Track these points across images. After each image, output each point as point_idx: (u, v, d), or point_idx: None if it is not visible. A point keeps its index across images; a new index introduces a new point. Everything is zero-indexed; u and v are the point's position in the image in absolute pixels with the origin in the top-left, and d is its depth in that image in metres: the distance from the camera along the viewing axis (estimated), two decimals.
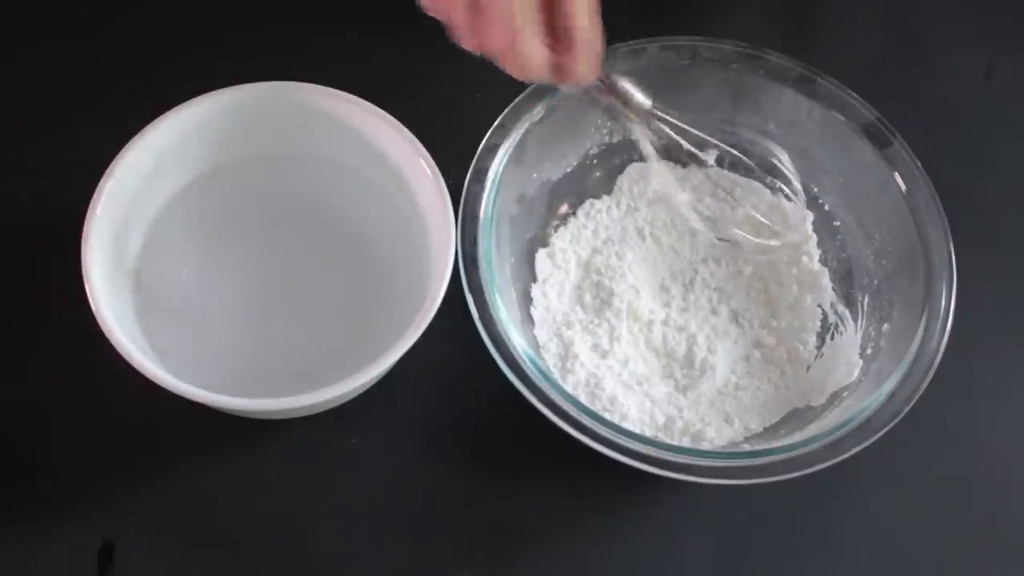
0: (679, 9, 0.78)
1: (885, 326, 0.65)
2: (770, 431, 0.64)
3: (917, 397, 0.60)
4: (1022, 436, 0.67)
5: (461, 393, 0.65)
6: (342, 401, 0.61)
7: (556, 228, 0.70)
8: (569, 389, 0.63)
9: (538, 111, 0.66)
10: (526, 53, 0.52)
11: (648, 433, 0.63)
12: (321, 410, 0.62)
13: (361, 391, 0.61)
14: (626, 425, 0.63)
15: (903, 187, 0.66)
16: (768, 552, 0.63)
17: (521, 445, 0.64)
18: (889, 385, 0.60)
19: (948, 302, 0.62)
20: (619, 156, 0.71)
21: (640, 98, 0.61)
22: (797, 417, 0.65)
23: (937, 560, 0.64)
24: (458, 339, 0.62)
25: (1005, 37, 0.81)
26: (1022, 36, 0.81)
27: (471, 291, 0.60)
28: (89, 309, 0.57)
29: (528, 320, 0.66)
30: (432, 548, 0.62)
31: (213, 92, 0.63)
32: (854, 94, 0.67)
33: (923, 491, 0.65)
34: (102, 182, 0.60)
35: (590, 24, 0.54)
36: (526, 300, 0.67)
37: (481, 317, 0.60)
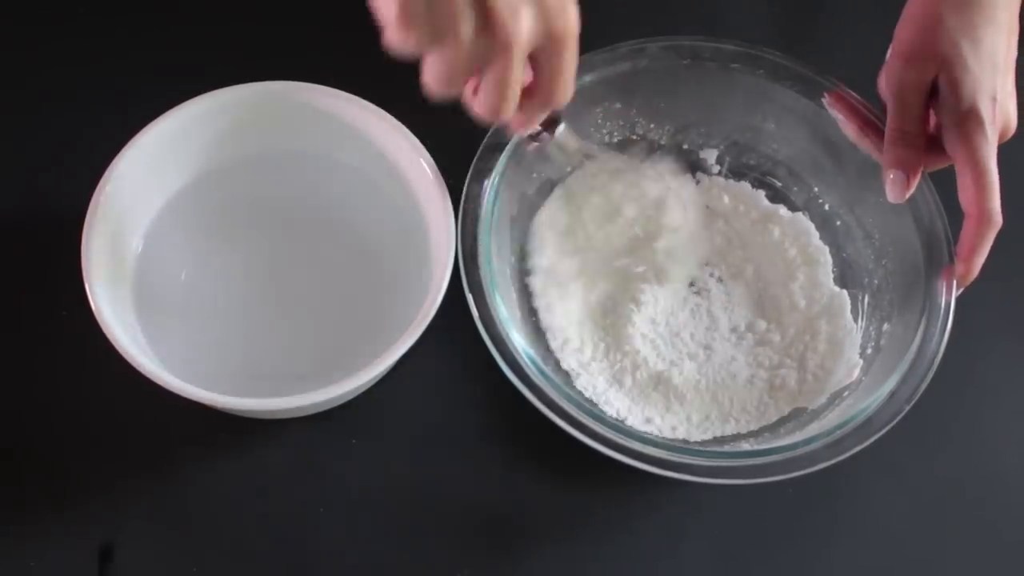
0: (679, 9, 0.78)
1: (885, 326, 0.65)
2: (770, 431, 0.64)
3: (917, 397, 0.60)
4: (1022, 436, 0.67)
5: (461, 393, 0.65)
6: (342, 401, 0.61)
7: None
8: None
9: None
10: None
11: (648, 433, 0.63)
12: (321, 410, 0.62)
13: (361, 391, 0.62)
14: (626, 425, 0.63)
15: None
16: (768, 552, 0.63)
17: (521, 445, 0.64)
18: (889, 385, 0.60)
19: (948, 302, 0.62)
20: None
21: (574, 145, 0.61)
22: (797, 417, 0.64)
23: (937, 560, 0.64)
24: (458, 339, 0.62)
25: None
26: (1020, 35, 0.81)
27: (471, 291, 0.60)
28: (89, 309, 0.57)
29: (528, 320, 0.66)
30: (432, 548, 0.62)
31: (213, 92, 0.63)
32: (854, 94, 0.67)
33: (923, 491, 0.65)
34: (102, 182, 0.60)
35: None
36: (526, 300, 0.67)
37: (481, 317, 0.60)
